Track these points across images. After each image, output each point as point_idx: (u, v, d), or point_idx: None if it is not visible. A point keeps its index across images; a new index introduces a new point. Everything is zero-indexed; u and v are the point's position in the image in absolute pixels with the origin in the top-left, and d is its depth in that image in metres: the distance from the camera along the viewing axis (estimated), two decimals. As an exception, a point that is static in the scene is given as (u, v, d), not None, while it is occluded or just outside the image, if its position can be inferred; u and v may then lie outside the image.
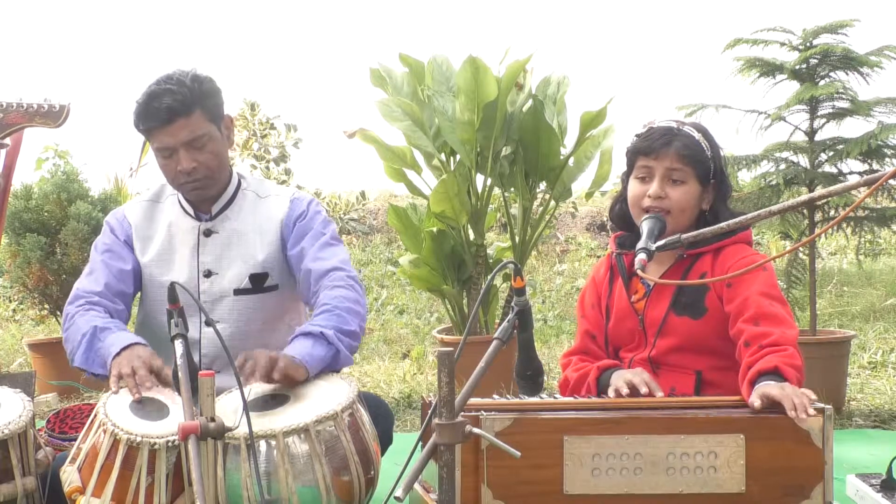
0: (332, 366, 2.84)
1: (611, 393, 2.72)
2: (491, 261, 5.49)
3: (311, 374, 2.77)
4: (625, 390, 2.67)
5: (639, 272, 2.52)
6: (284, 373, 2.68)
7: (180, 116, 2.95)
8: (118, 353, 2.81)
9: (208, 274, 3.08)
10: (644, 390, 2.67)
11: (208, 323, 2.59)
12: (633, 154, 2.87)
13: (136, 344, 2.84)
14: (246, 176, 3.22)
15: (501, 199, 5.89)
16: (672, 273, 2.84)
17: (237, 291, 3.08)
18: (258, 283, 3.08)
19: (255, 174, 9.40)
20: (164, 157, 3.01)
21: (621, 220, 2.97)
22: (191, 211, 3.13)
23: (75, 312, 3.00)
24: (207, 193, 3.08)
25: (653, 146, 2.81)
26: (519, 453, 2.16)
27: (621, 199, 2.95)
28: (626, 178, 2.92)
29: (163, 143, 2.98)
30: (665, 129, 2.83)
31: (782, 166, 4.97)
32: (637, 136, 2.89)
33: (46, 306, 6.02)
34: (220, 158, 3.05)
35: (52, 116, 3.76)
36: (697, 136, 2.84)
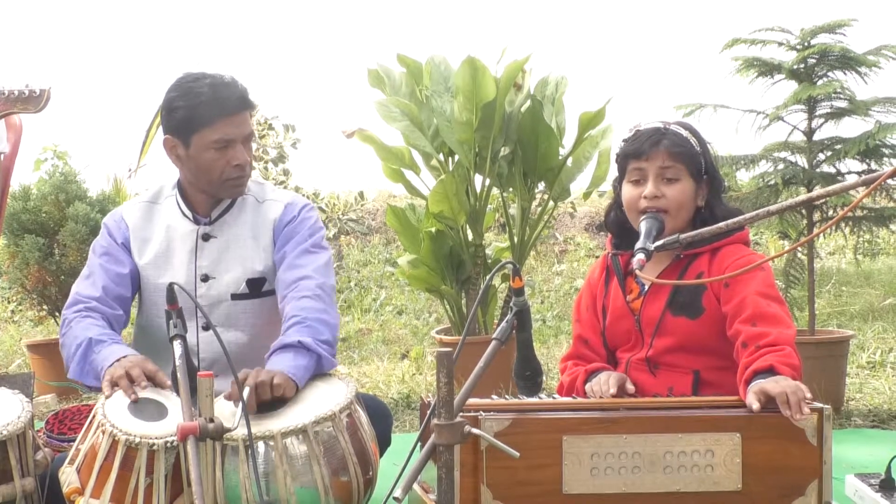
0: (316, 371, 2.84)
1: (587, 389, 2.80)
2: (489, 261, 5.49)
3: (301, 386, 2.76)
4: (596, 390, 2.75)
5: (637, 272, 2.53)
6: (280, 393, 2.69)
7: (247, 109, 3.02)
8: (111, 365, 2.80)
9: (205, 278, 3.06)
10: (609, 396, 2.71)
11: (206, 326, 2.59)
12: (624, 158, 2.87)
13: (130, 356, 2.83)
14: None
15: (500, 199, 5.88)
16: (669, 273, 2.84)
17: (235, 296, 3.06)
18: (255, 288, 3.07)
19: (253, 175, 9.41)
20: (217, 148, 2.98)
21: (617, 226, 2.97)
22: (189, 214, 3.11)
23: (73, 318, 2.99)
24: (243, 192, 3.10)
25: (642, 148, 2.82)
26: (518, 453, 2.17)
27: (616, 205, 2.95)
28: (618, 185, 2.93)
29: (226, 133, 2.97)
30: (653, 129, 2.84)
31: (780, 166, 4.97)
32: (625, 140, 2.89)
33: (45, 307, 6.01)
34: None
35: (33, 102, 3.74)
36: (685, 133, 2.85)
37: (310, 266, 3.01)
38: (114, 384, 2.72)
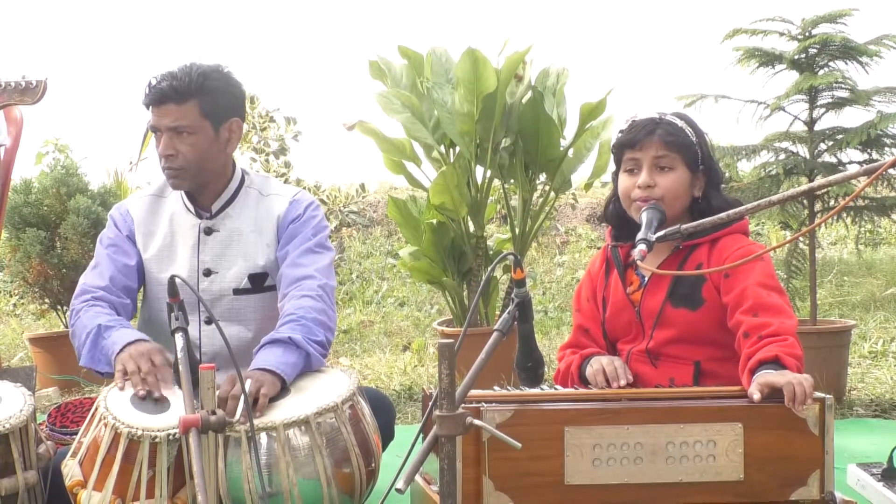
0: (304, 369, 2.83)
1: (588, 374, 2.81)
2: (491, 252, 5.49)
3: (288, 382, 2.75)
4: (599, 377, 2.77)
5: (638, 262, 2.52)
6: (268, 397, 2.68)
7: (171, 101, 2.98)
8: (122, 350, 2.80)
9: (208, 273, 3.06)
10: (616, 384, 2.73)
11: (208, 321, 2.59)
12: (619, 149, 2.88)
13: (140, 340, 2.83)
14: (251, 174, 3.19)
15: (501, 190, 5.88)
16: (668, 264, 2.83)
17: (237, 291, 3.06)
18: (258, 282, 3.07)
19: (254, 167, 9.39)
20: (155, 136, 3.04)
21: (616, 218, 2.96)
22: (192, 208, 3.11)
23: (81, 308, 3.00)
24: (181, 184, 3.06)
25: (636, 137, 2.82)
26: (520, 444, 2.17)
27: (614, 197, 2.95)
28: (615, 176, 2.93)
29: (153, 122, 3.02)
30: (647, 120, 2.84)
31: (782, 156, 4.97)
32: (621, 131, 2.90)
33: (47, 301, 6.01)
34: (201, 154, 3.01)
35: (29, 93, 3.75)
36: (680, 123, 2.85)
37: (312, 266, 3.01)
38: (125, 375, 2.73)
